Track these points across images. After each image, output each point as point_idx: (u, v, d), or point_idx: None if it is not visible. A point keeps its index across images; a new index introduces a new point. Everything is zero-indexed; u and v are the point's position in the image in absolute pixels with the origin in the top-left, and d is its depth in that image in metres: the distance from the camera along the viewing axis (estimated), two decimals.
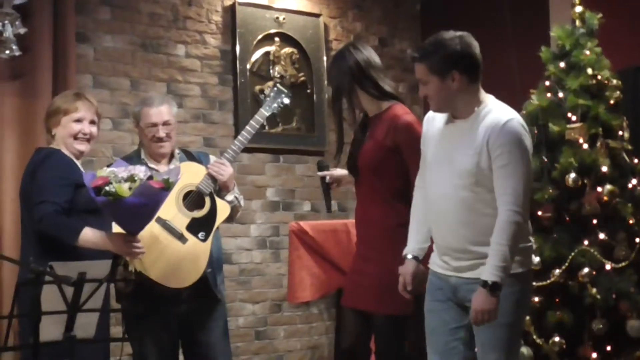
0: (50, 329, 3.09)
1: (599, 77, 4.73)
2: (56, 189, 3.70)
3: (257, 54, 6.12)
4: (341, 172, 4.17)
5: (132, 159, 4.16)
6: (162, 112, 4.12)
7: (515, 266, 3.32)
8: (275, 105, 4.28)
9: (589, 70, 4.72)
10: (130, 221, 3.66)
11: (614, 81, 4.76)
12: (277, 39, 6.21)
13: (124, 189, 3.48)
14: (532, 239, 3.45)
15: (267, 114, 4.26)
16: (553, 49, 4.94)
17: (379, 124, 3.89)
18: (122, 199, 3.48)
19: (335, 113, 4.02)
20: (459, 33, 3.35)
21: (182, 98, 5.77)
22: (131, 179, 3.49)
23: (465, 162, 3.31)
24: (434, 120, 3.54)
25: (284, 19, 6.24)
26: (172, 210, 3.97)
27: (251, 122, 4.20)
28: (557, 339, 4.43)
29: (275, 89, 4.33)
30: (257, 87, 6.09)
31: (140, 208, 3.57)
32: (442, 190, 3.40)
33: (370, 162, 3.88)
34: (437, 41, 3.37)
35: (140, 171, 3.54)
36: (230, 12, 6.01)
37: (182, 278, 3.93)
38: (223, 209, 4.10)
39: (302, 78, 6.30)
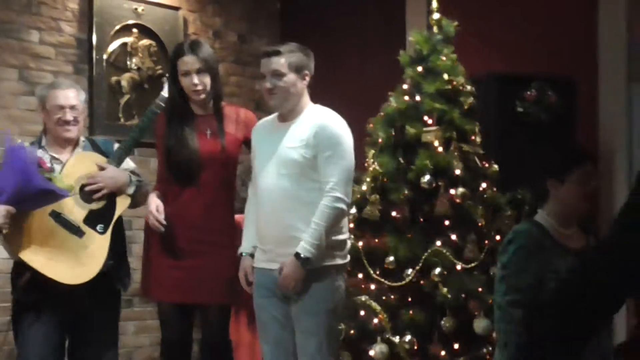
0: None
1: (454, 82, 4.85)
2: None
3: (114, 45, 5.99)
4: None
5: (33, 145, 4.06)
6: (70, 95, 4.03)
7: (337, 259, 3.69)
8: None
9: (445, 76, 4.83)
10: None
11: (468, 87, 4.91)
12: (135, 30, 6.10)
13: None
14: (348, 232, 3.81)
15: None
16: (411, 53, 5.04)
17: (224, 120, 4.04)
18: None
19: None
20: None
21: (34, 86, 5.55)
22: None
23: (292, 153, 3.64)
24: (260, 130, 3.90)
25: (142, 10, 6.13)
26: (67, 202, 3.83)
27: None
28: (408, 337, 4.52)
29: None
30: (114, 78, 5.97)
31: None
32: (269, 181, 3.69)
33: (228, 156, 4.02)
34: (294, 45, 3.77)
35: None
36: None
37: (80, 274, 3.80)
38: (123, 200, 3.99)
39: (160, 71, 6.20)
